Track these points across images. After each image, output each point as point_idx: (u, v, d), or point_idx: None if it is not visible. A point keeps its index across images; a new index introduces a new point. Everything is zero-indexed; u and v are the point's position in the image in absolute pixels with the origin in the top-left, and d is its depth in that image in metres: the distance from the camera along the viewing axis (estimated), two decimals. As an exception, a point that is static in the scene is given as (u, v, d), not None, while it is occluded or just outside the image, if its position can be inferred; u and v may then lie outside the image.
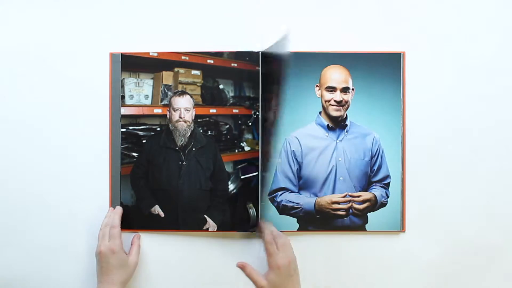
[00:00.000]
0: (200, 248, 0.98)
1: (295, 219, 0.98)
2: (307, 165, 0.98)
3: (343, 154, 0.98)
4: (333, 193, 0.97)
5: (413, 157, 0.98)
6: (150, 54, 0.97)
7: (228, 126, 0.98)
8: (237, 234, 0.98)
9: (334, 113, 0.98)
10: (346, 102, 0.97)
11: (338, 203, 0.97)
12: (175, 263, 0.98)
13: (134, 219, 0.98)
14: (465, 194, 0.98)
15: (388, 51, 0.98)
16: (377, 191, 0.98)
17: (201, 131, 0.98)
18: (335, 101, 0.97)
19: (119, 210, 0.97)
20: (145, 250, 0.98)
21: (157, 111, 0.97)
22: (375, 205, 0.98)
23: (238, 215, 0.97)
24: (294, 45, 0.97)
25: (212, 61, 0.97)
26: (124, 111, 0.98)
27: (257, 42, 0.97)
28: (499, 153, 0.98)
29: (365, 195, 0.98)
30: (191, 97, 0.97)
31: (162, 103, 0.97)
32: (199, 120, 0.98)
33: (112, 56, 0.98)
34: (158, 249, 0.98)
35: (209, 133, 0.98)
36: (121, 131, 0.97)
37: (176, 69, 0.97)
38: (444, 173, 0.98)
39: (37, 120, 0.99)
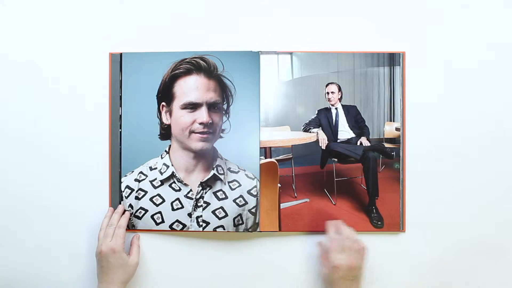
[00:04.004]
0: (200, 248, 0.98)
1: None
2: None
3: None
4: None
5: (413, 156, 0.98)
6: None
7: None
8: (237, 234, 0.98)
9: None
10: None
11: None
12: (175, 263, 0.99)
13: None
14: (465, 194, 0.98)
15: (388, 51, 0.98)
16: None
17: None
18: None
19: (121, 210, 0.97)
20: (145, 250, 0.98)
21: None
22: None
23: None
24: (295, 44, 0.98)
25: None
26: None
27: (256, 42, 0.98)
28: (499, 153, 0.98)
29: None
30: None
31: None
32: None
33: (112, 56, 0.98)
34: (158, 249, 0.98)
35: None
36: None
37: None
38: (444, 173, 0.98)
39: (37, 120, 0.99)
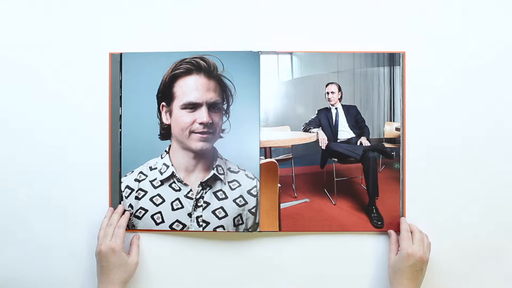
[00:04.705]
0: (200, 248, 0.98)
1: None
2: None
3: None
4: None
5: (413, 157, 0.98)
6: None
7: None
8: (237, 234, 0.98)
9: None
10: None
11: None
12: (175, 263, 0.98)
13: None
14: (465, 194, 0.98)
15: (388, 51, 0.98)
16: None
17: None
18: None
19: (121, 210, 0.97)
20: (145, 250, 0.98)
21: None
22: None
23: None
24: (295, 44, 0.98)
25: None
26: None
27: (257, 42, 0.98)
28: (499, 153, 0.98)
29: None
30: None
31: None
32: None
33: (112, 56, 0.98)
34: (158, 249, 0.98)
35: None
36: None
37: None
38: (444, 173, 0.98)
39: (37, 120, 0.99)
